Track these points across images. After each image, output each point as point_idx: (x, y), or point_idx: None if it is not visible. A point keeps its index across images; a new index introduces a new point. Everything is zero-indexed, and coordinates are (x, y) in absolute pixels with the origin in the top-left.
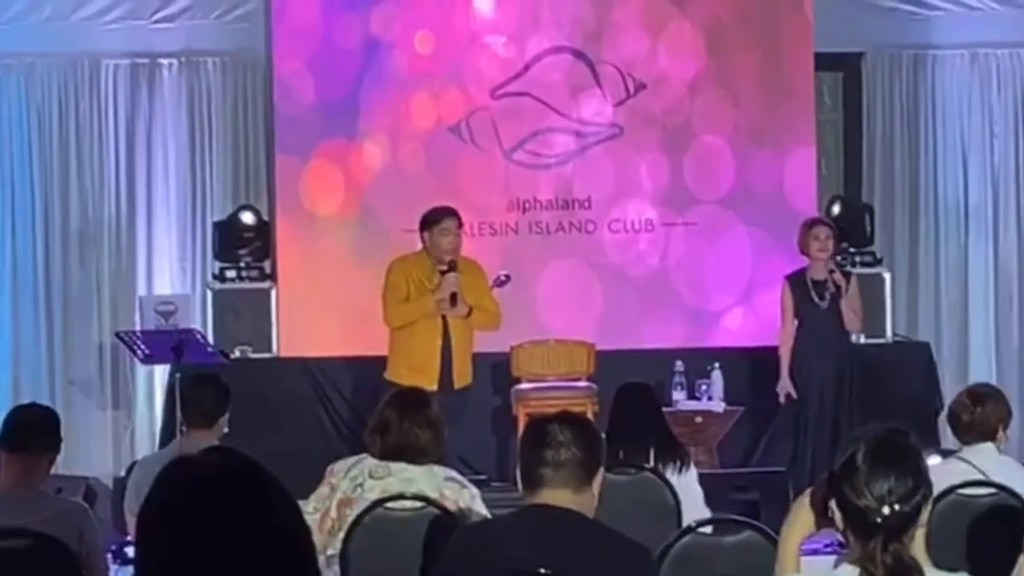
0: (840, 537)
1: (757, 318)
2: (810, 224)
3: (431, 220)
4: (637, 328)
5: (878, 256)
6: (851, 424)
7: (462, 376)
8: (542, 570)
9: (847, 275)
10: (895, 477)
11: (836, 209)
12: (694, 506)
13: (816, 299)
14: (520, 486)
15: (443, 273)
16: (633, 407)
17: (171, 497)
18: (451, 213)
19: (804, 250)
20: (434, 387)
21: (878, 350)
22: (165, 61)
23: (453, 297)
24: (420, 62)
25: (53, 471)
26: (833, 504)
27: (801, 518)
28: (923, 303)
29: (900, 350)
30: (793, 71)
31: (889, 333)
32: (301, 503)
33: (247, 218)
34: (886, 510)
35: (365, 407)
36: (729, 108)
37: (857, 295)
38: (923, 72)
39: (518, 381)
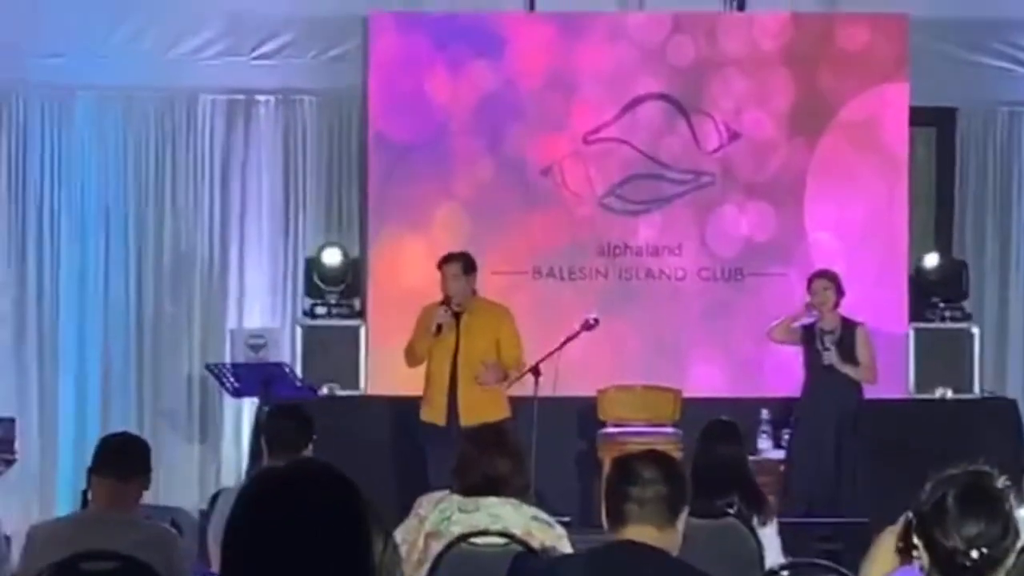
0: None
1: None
2: (810, 278)
3: (439, 264)
4: (726, 377)
5: (967, 311)
6: (854, 473)
7: (470, 413)
8: None
9: (853, 326)
10: (985, 521)
11: (931, 263)
12: (773, 559)
13: (820, 348)
14: (605, 523)
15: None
16: (720, 441)
17: (253, 490)
18: (456, 259)
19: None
20: (441, 422)
21: (966, 406)
22: (262, 98)
23: (439, 328)
24: (515, 104)
25: (140, 502)
26: (920, 544)
27: (881, 556)
28: (1012, 359)
29: (988, 406)
30: (889, 125)
31: (977, 389)
32: None
33: (330, 256)
34: (975, 553)
35: None
36: (823, 163)
37: (865, 346)
38: (1017, 129)
39: (603, 425)
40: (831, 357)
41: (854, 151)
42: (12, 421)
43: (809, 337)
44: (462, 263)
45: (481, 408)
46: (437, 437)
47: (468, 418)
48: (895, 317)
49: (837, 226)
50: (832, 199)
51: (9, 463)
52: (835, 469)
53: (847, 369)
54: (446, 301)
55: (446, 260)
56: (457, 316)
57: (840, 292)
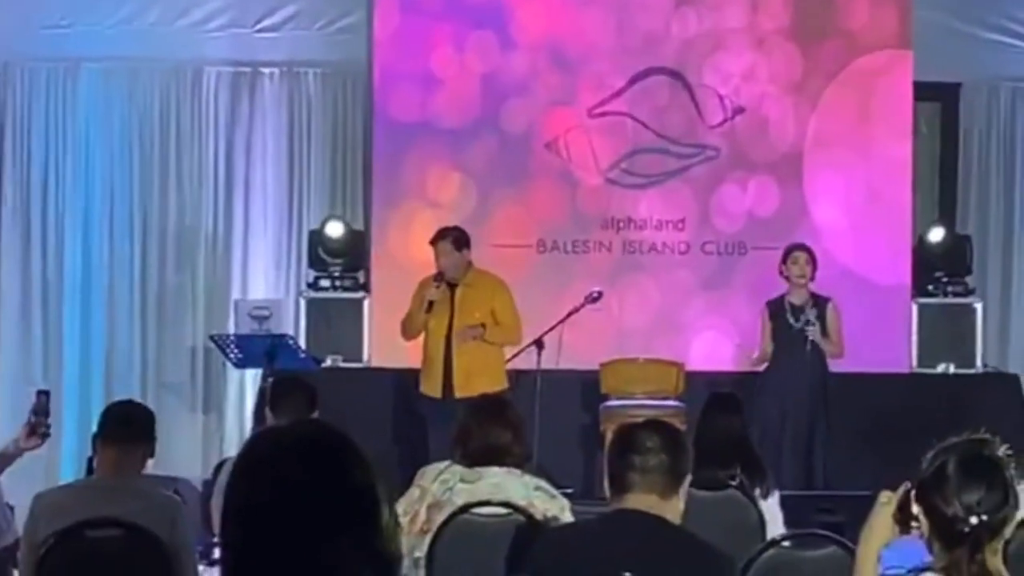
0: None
1: (852, 341)
2: (789, 249)
3: (432, 241)
4: (728, 350)
5: (970, 286)
6: (825, 446)
7: (464, 386)
8: (627, 574)
9: (824, 301)
10: (985, 488)
11: (934, 238)
12: (775, 530)
13: (792, 322)
14: (607, 491)
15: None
16: (721, 413)
17: (252, 449)
18: (445, 236)
19: (783, 274)
20: (438, 395)
21: (968, 380)
22: (266, 70)
23: (430, 305)
24: (519, 77)
25: (144, 472)
26: (920, 512)
27: (880, 525)
28: (1014, 334)
29: (990, 381)
30: (892, 100)
31: (979, 363)
32: None
33: (334, 229)
34: (974, 520)
35: None
36: (827, 135)
37: (836, 322)
38: (1021, 104)
39: (606, 398)
40: (815, 333)
41: (857, 119)
42: (47, 393)
43: (778, 310)
44: (452, 238)
45: (476, 380)
46: (435, 409)
47: (463, 390)
48: (898, 291)
49: (840, 199)
50: (835, 172)
51: (46, 436)
52: (808, 440)
53: (823, 343)
54: (440, 277)
55: (438, 237)
56: (452, 288)
57: (815, 268)
